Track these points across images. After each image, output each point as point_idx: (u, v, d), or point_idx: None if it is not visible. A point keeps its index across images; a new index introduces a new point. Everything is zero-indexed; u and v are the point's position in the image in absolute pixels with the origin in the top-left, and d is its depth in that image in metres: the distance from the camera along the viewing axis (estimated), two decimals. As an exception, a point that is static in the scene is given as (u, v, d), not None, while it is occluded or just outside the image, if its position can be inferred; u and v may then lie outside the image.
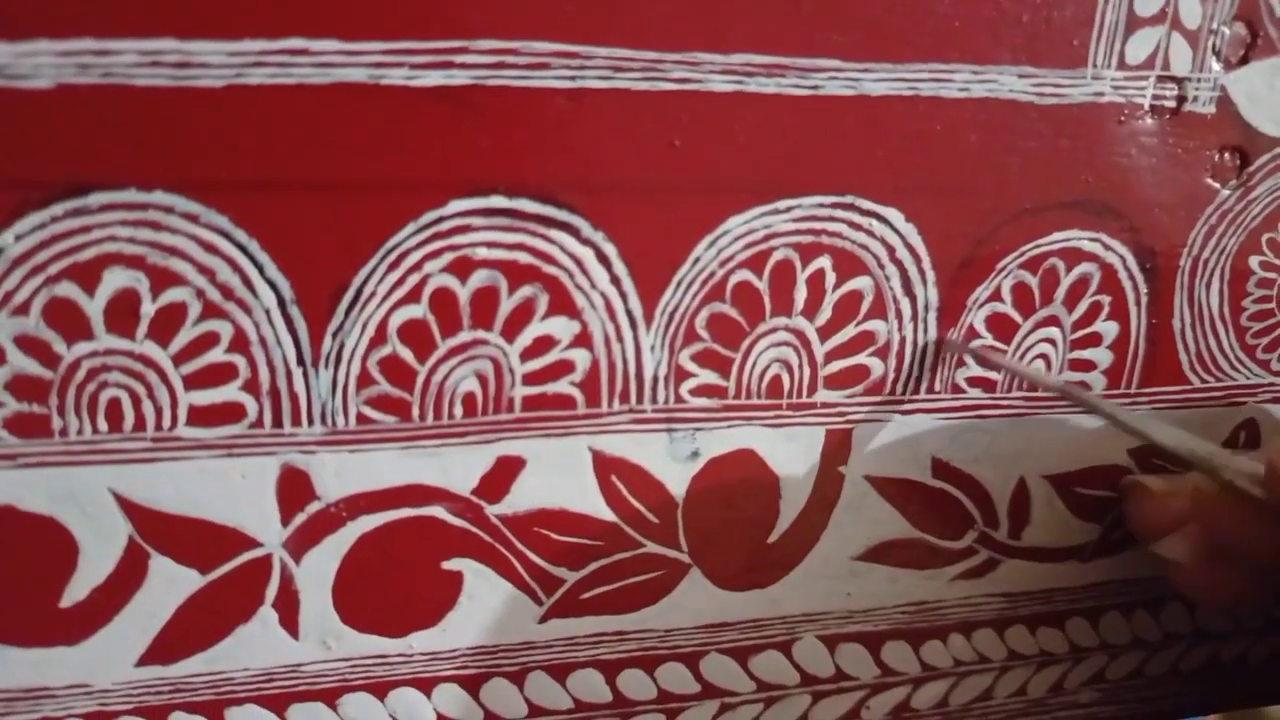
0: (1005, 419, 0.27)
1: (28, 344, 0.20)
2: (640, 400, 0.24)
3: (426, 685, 0.25)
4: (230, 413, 0.22)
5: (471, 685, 0.25)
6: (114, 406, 0.21)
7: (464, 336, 0.23)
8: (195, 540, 0.22)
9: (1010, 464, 0.28)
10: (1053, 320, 0.27)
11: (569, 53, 0.22)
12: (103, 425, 0.21)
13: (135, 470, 0.22)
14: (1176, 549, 0.26)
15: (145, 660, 0.23)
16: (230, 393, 0.22)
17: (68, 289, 0.20)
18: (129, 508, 0.22)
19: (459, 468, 0.24)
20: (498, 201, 0.22)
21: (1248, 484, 0.23)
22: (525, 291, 0.23)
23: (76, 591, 0.22)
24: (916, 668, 0.29)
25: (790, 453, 0.26)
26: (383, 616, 0.24)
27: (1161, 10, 0.25)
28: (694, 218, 0.23)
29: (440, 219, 0.22)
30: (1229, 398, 0.29)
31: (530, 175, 0.22)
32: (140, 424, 0.21)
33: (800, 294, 0.25)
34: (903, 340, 0.26)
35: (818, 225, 0.24)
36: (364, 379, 0.22)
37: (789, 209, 0.24)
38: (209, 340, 0.21)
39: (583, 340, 0.24)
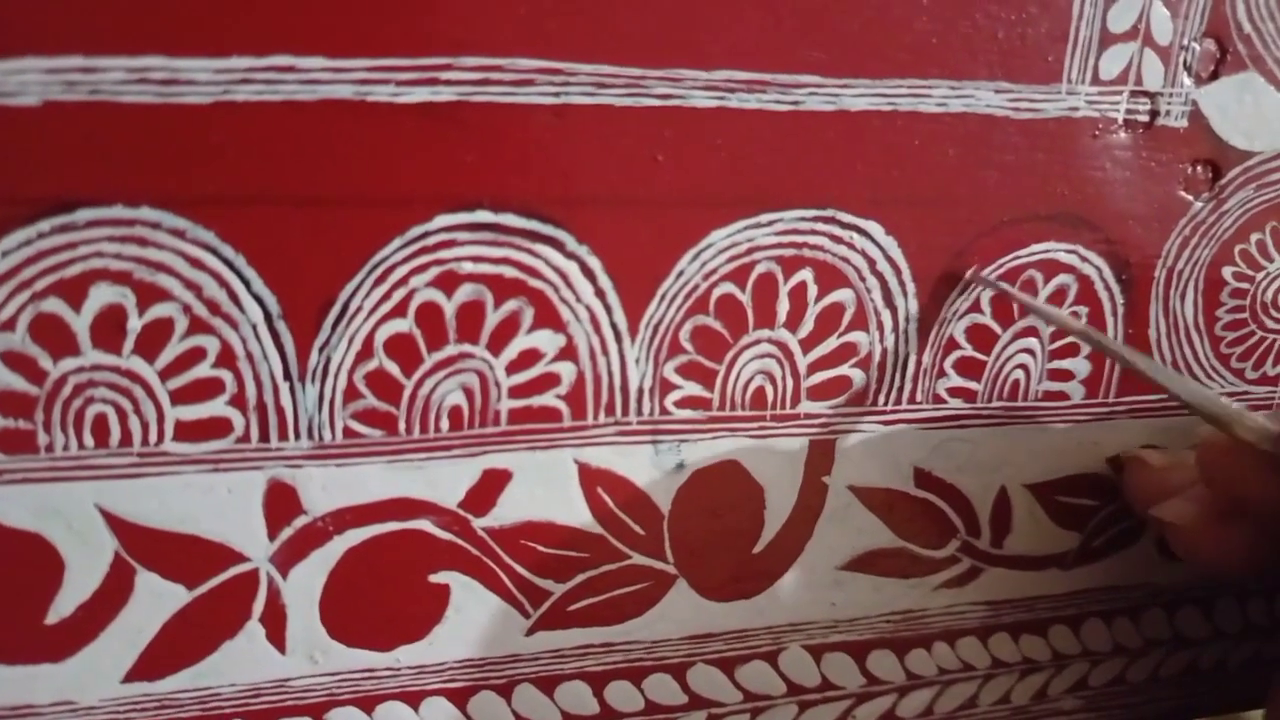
0: (986, 428, 0.28)
1: (14, 360, 0.20)
2: (625, 412, 0.25)
3: (414, 699, 0.25)
4: (217, 427, 0.22)
5: (459, 699, 0.25)
6: (100, 422, 0.21)
7: (450, 350, 0.23)
8: (182, 555, 0.22)
9: (991, 473, 0.28)
10: (1031, 331, 0.27)
11: (553, 69, 0.22)
12: (89, 441, 0.21)
13: (121, 486, 0.22)
14: (1178, 511, 0.26)
15: (131, 676, 0.23)
16: (217, 408, 0.22)
17: (54, 305, 0.20)
18: (115, 523, 0.22)
19: (445, 481, 0.24)
20: (483, 216, 0.22)
21: (1260, 439, 0.23)
22: (511, 305, 0.23)
23: (62, 608, 0.22)
24: (902, 676, 0.29)
25: (774, 463, 0.26)
26: (370, 630, 0.24)
27: (1134, 27, 0.25)
28: (677, 231, 0.24)
29: (426, 234, 0.22)
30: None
31: (515, 190, 0.22)
32: (126, 439, 0.21)
33: (783, 306, 0.25)
34: (884, 351, 0.26)
35: (799, 238, 0.25)
36: (350, 393, 0.23)
37: (771, 223, 0.24)
38: (195, 355, 0.21)
39: (568, 353, 0.24)
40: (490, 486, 0.24)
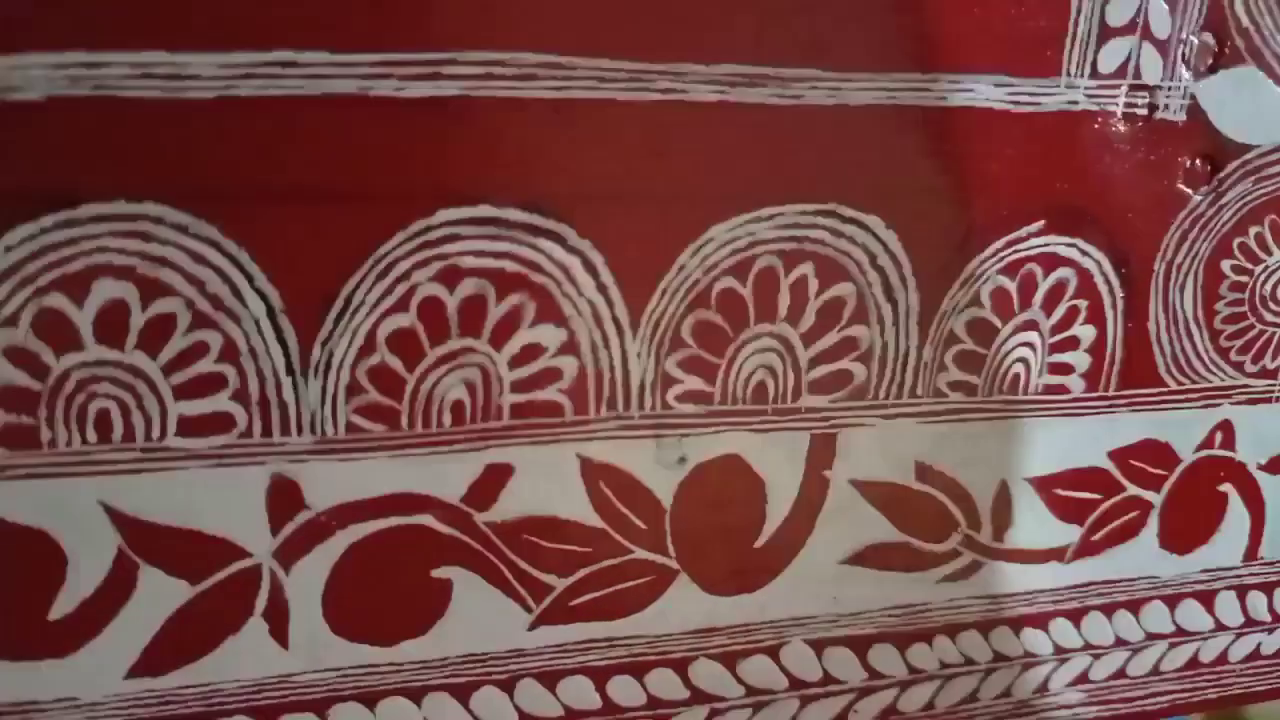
0: (987, 422, 0.28)
1: (17, 355, 0.20)
2: (627, 407, 0.25)
3: (416, 694, 0.25)
4: (220, 423, 0.22)
5: (461, 694, 0.25)
6: (103, 417, 0.21)
7: (452, 345, 0.23)
8: (185, 551, 0.22)
9: (992, 467, 0.28)
10: (1031, 324, 0.27)
11: (555, 64, 0.22)
12: (92, 436, 0.21)
13: (124, 481, 0.22)
14: None
15: (134, 672, 0.23)
16: (220, 402, 0.22)
17: (57, 300, 0.20)
18: (118, 519, 0.22)
19: (448, 476, 0.24)
20: (485, 211, 0.22)
21: None
22: (513, 300, 0.23)
23: (65, 604, 0.22)
24: (903, 670, 0.29)
25: (776, 458, 0.26)
26: (372, 626, 0.24)
27: (1132, 21, 0.25)
28: (679, 226, 0.24)
29: (428, 228, 0.22)
30: (1205, 399, 0.30)
31: (517, 185, 0.22)
32: (129, 435, 0.22)
33: (784, 300, 0.25)
34: (885, 345, 0.26)
35: (800, 232, 0.25)
36: (353, 388, 0.23)
37: (772, 217, 0.24)
38: (198, 350, 0.21)
39: (570, 348, 0.24)
40: (492, 481, 0.24)
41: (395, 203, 0.22)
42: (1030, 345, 0.28)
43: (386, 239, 0.22)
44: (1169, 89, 0.26)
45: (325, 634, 0.24)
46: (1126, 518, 0.30)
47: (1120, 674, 0.32)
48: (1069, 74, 0.25)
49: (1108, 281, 0.28)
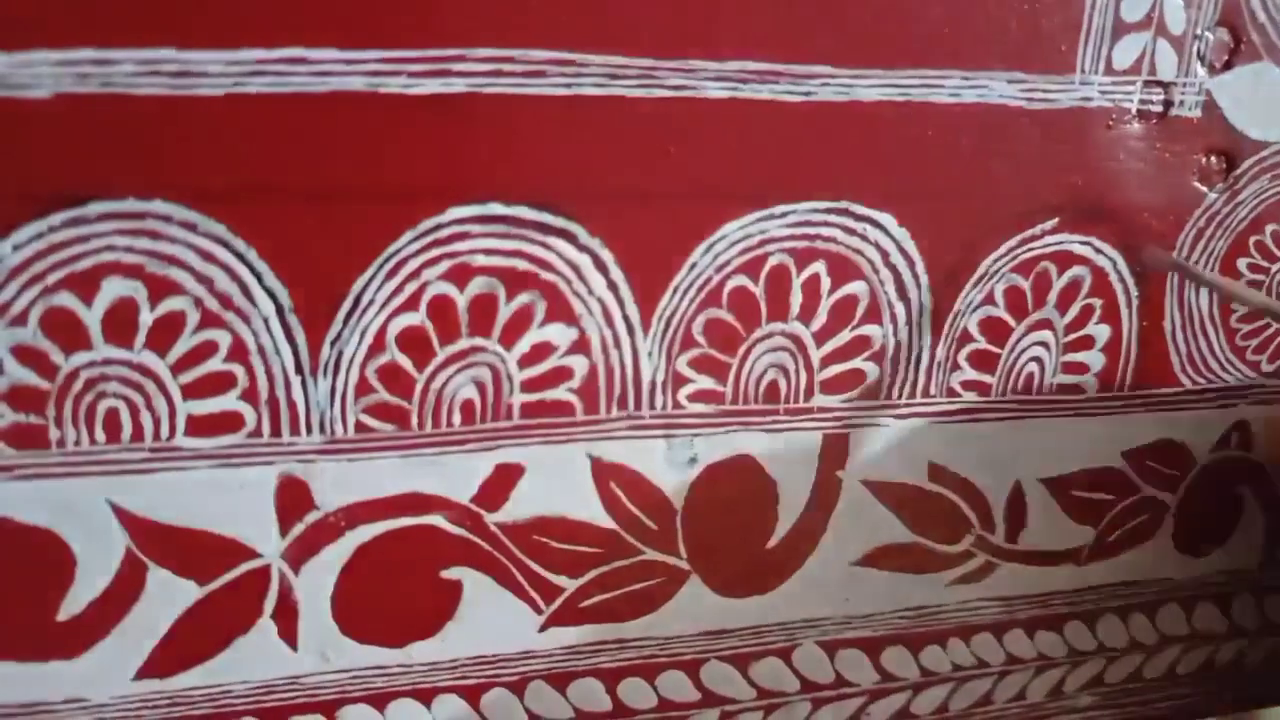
0: (1000, 422, 0.28)
1: (25, 354, 0.20)
2: (638, 406, 0.24)
3: (426, 696, 0.25)
4: (229, 422, 0.22)
5: (471, 695, 0.25)
6: (112, 417, 0.21)
7: (462, 344, 0.23)
8: (193, 551, 0.22)
9: (1006, 467, 0.28)
10: (1046, 324, 0.27)
11: (565, 60, 0.22)
12: (100, 436, 0.21)
13: (133, 481, 0.22)
14: None
15: (143, 674, 0.23)
16: (228, 402, 0.22)
17: (66, 299, 0.20)
18: (127, 519, 0.22)
19: (458, 476, 0.24)
20: (495, 208, 0.22)
21: None
22: (523, 298, 0.23)
23: (74, 604, 0.22)
24: (916, 673, 0.29)
25: (788, 458, 0.26)
26: (382, 627, 0.24)
27: (1147, 16, 0.25)
28: (690, 224, 0.24)
29: (438, 226, 0.22)
30: (1221, 399, 0.29)
31: (527, 182, 0.22)
32: (138, 434, 0.21)
33: (796, 299, 0.25)
34: (898, 344, 0.26)
35: (812, 230, 0.24)
36: (362, 387, 0.22)
37: (784, 214, 0.24)
38: (207, 349, 0.21)
39: (581, 347, 0.24)
40: (503, 481, 0.24)
41: (405, 201, 0.22)
42: (1044, 344, 0.27)
43: (396, 237, 0.22)
44: (1184, 85, 0.26)
45: (334, 635, 0.24)
46: (1141, 519, 0.30)
47: (1135, 677, 0.31)
48: (1083, 70, 0.25)
49: (1122, 280, 0.27)
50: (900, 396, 0.26)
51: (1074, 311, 0.27)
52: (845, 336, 0.26)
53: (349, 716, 0.24)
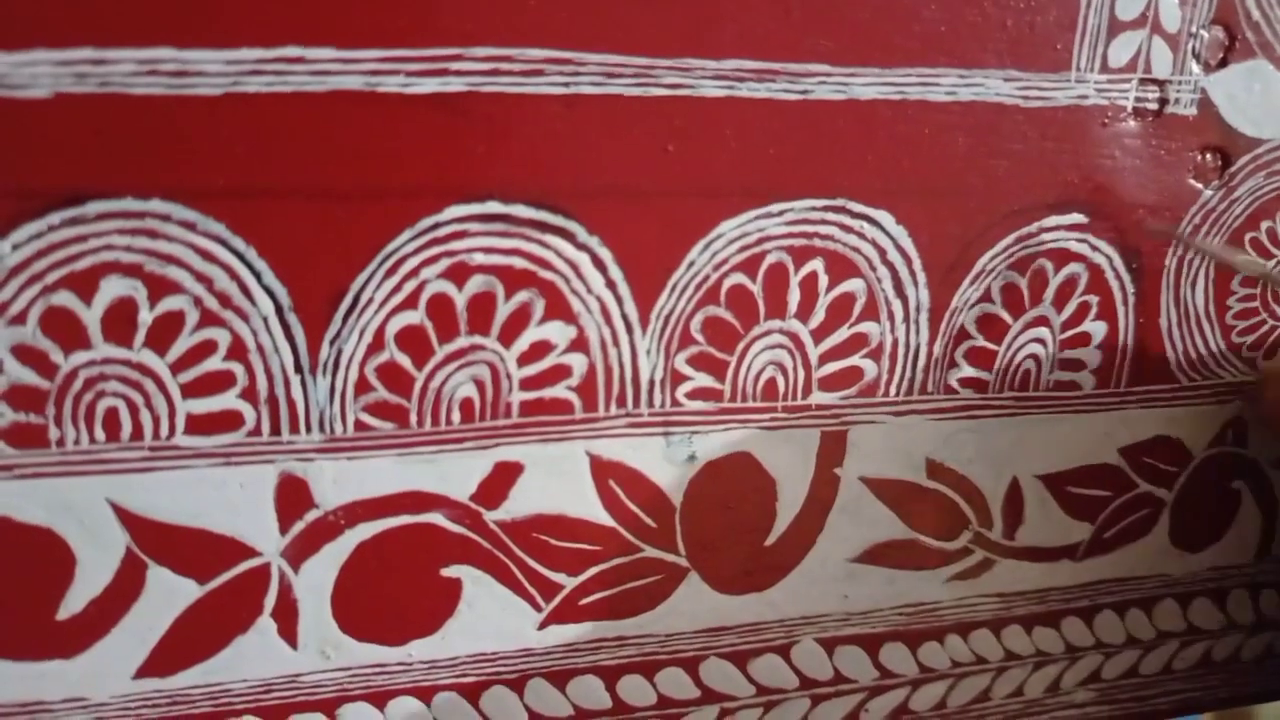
0: (997, 419, 0.28)
1: (25, 354, 0.20)
2: (637, 404, 0.24)
3: (426, 694, 0.25)
4: (228, 421, 0.22)
5: (471, 693, 0.25)
6: (111, 416, 0.21)
7: (461, 342, 0.23)
8: (193, 550, 0.22)
9: (1003, 464, 0.28)
10: (1042, 320, 0.27)
11: (562, 59, 0.22)
12: (100, 435, 0.21)
13: (133, 480, 0.22)
14: None
15: (143, 672, 0.23)
16: (228, 401, 0.22)
17: (65, 298, 0.20)
18: (126, 518, 0.22)
19: (457, 474, 0.24)
20: (493, 207, 0.22)
21: None
22: (521, 296, 0.23)
23: (73, 603, 0.22)
24: (914, 669, 0.29)
25: (786, 455, 0.26)
26: (382, 625, 0.24)
27: (1142, 14, 0.25)
28: (688, 222, 0.24)
29: (437, 225, 0.22)
30: (1217, 396, 0.29)
31: (525, 181, 0.22)
32: (138, 433, 0.21)
33: (794, 296, 0.25)
34: (895, 341, 0.26)
35: (810, 228, 0.25)
36: (362, 386, 0.22)
37: (781, 212, 0.24)
38: (207, 348, 0.21)
39: (579, 345, 0.24)
40: (502, 479, 0.24)
41: (403, 199, 0.22)
42: (1041, 341, 0.27)
43: (395, 236, 0.22)
44: (1179, 83, 0.26)
45: (334, 633, 0.24)
46: (1138, 515, 0.30)
47: (1132, 672, 0.31)
48: (1079, 68, 0.25)
49: (1119, 277, 0.27)
50: (898, 393, 0.27)
51: (1070, 308, 0.27)
52: (843, 334, 0.26)
53: (349, 715, 0.24)
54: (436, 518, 0.24)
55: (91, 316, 0.21)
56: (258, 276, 0.21)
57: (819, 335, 0.25)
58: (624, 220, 0.23)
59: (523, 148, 0.22)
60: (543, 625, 0.25)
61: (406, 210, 0.22)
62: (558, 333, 0.23)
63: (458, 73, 0.21)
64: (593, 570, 0.25)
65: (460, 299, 0.23)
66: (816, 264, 0.25)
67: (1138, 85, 0.26)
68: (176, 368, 0.21)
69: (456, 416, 0.23)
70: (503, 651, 0.25)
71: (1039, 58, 0.25)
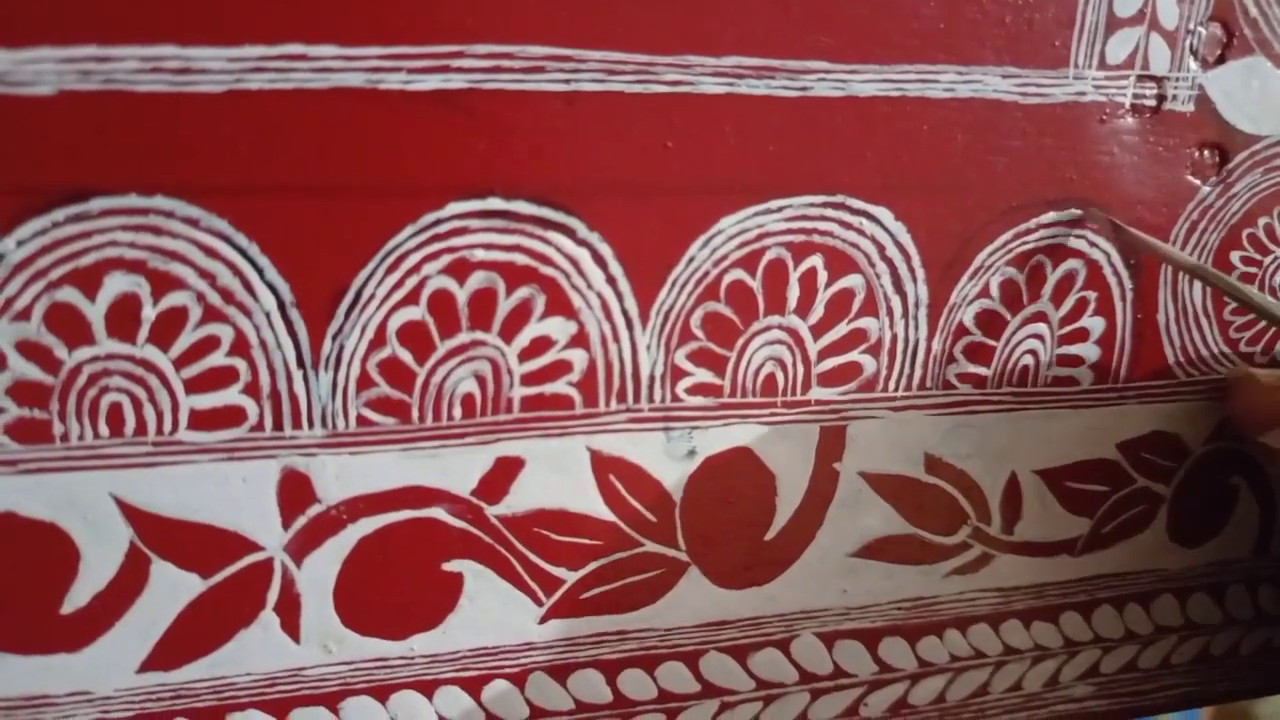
0: (996, 414, 0.28)
1: (29, 349, 0.21)
2: (637, 400, 0.25)
3: (428, 688, 0.25)
4: (231, 416, 0.22)
5: (472, 687, 0.25)
6: (115, 411, 0.21)
7: (462, 338, 0.23)
8: (196, 545, 0.22)
9: (1001, 459, 0.28)
10: (1040, 316, 0.27)
11: (563, 56, 0.22)
12: (104, 430, 0.21)
13: (136, 475, 0.22)
14: None
15: (147, 666, 0.23)
16: (231, 396, 0.22)
17: (69, 294, 0.20)
18: (130, 513, 0.22)
19: (458, 469, 0.24)
20: (494, 203, 0.22)
21: None
22: (522, 292, 0.23)
23: (78, 598, 0.22)
24: (913, 664, 0.29)
25: (786, 450, 0.26)
26: (384, 619, 0.24)
27: (1140, 11, 0.25)
28: (688, 218, 0.24)
29: (438, 221, 0.22)
30: (1214, 391, 0.30)
31: (526, 177, 0.22)
32: (141, 428, 0.22)
33: (793, 292, 0.25)
34: (894, 337, 0.26)
35: (809, 224, 0.25)
36: (364, 381, 0.23)
37: (781, 208, 0.24)
38: (210, 344, 0.22)
39: (580, 340, 0.24)
40: (503, 474, 0.24)
41: (405, 196, 0.22)
42: (1039, 337, 0.28)
43: (396, 232, 0.22)
44: (1177, 79, 0.26)
45: (337, 627, 0.24)
46: (1136, 510, 0.30)
47: (1130, 667, 0.32)
48: (1077, 65, 0.25)
49: (1116, 273, 0.28)
50: (896, 389, 0.27)
51: (1069, 304, 0.27)
52: (842, 329, 0.26)
53: (351, 708, 0.24)
54: (438, 512, 0.24)
55: (95, 312, 0.21)
56: (260, 272, 0.21)
57: (818, 331, 0.26)
58: (624, 216, 0.23)
59: (523, 144, 0.22)
60: (544, 619, 0.25)
61: (408, 207, 0.22)
62: (558, 328, 0.24)
63: (459, 70, 0.21)
64: (593, 565, 0.25)
65: (461, 295, 0.23)
66: (816, 260, 0.25)
67: (1135, 82, 0.26)
68: (180, 363, 0.21)
69: (458, 412, 0.23)
70: (504, 645, 0.25)
71: (1037, 54, 0.25)
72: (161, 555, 0.22)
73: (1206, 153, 0.27)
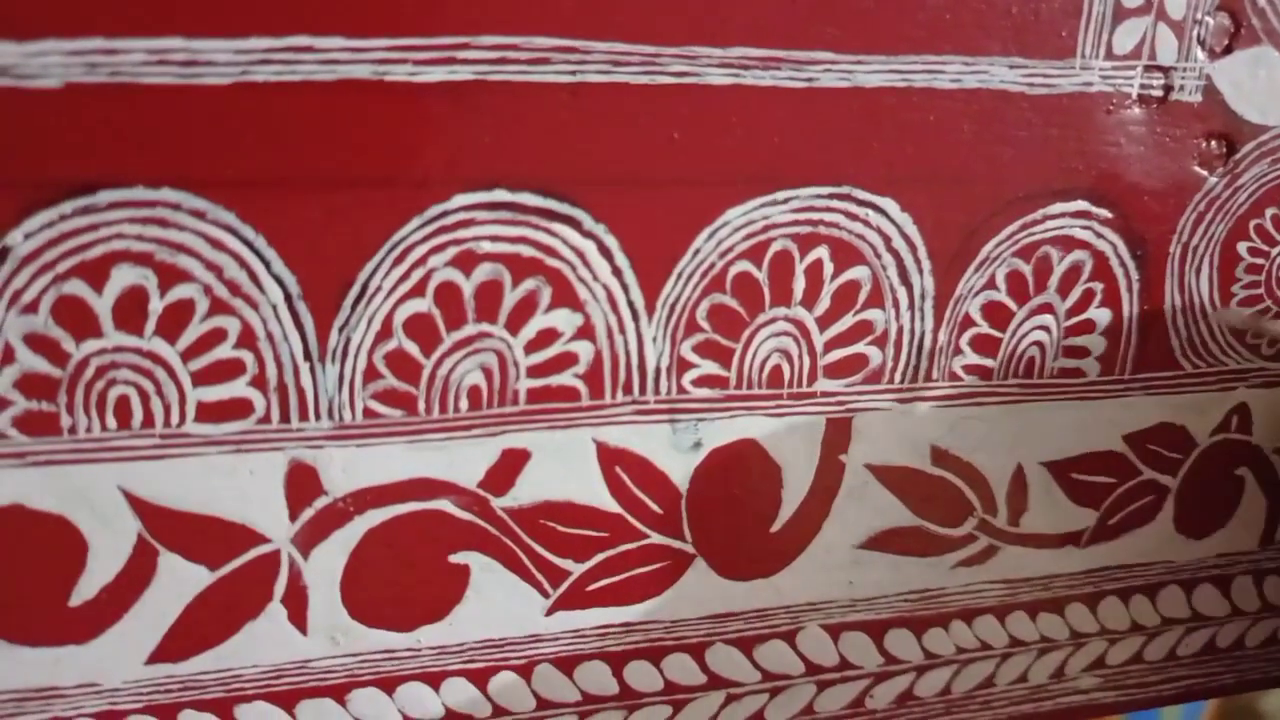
0: (1003, 406, 0.28)
1: (36, 342, 0.21)
2: (643, 391, 0.25)
3: (435, 680, 0.25)
4: (238, 408, 0.22)
5: (479, 679, 0.25)
6: (123, 404, 0.21)
7: (469, 330, 0.23)
8: (204, 537, 0.23)
9: (1008, 451, 0.28)
10: (1047, 308, 0.27)
11: (569, 48, 0.22)
12: (111, 422, 0.21)
13: (144, 467, 0.22)
14: None
15: (155, 658, 0.23)
16: (238, 388, 0.22)
17: (76, 287, 0.20)
18: (138, 505, 0.22)
19: (465, 461, 0.24)
20: (501, 195, 0.22)
21: None
22: (528, 284, 0.23)
23: (86, 590, 0.22)
24: (919, 656, 0.29)
25: (792, 442, 0.26)
26: (391, 611, 0.24)
27: (1147, 1, 0.25)
28: (693, 210, 0.24)
29: (445, 213, 0.22)
30: (1220, 382, 0.30)
31: (532, 169, 0.22)
32: (149, 421, 0.22)
33: (799, 284, 0.25)
34: (900, 329, 0.26)
35: (815, 216, 0.25)
36: (370, 373, 0.23)
37: (787, 200, 0.24)
38: (216, 336, 0.22)
39: (586, 332, 0.24)
40: (509, 466, 0.24)
41: (411, 188, 0.22)
42: (1046, 328, 0.27)
43: (403, 224, 0.22)
44: (1184, 70, 0.26)
45: (344, 619, 0.24)
46: (1142, 502, 0.30)
47: (1136, 659, 0.32)
48: (1084, 55, 0.25)
49: (1123, 264, 0.28)
50: (903, 380, 0.27)
51: (1075, 296, 0.27)
52: (848, 321, 0.26)
53: (358, 700, 0.25)
54: (445, 504, 0.24)
55: (103, 305, 0.21)
56: (267, 265, 0.21)
57: (824, 323, 0.26)
58: (630, 208, 0.23)
59: (529, 136, 0.22)
60: (550, 611, 0.26)
61: (414, 199, 0.22)
62: (564, 320, 0.24)
63: (465, 61, 0.21)
64: (599, 557, 0.26)
65: (468, 287, 0.23)
66: (821, 251, 0.25)
67: (1143, 72, 0.26)
68: (187, 356, 0.21)
69: (464, 404, 0.23)
70: (510, 637, 0.25)
71: (1044, 45, 0.25)
72: (169, 547, 0.22)
73: (1214, 143, 0.27)
